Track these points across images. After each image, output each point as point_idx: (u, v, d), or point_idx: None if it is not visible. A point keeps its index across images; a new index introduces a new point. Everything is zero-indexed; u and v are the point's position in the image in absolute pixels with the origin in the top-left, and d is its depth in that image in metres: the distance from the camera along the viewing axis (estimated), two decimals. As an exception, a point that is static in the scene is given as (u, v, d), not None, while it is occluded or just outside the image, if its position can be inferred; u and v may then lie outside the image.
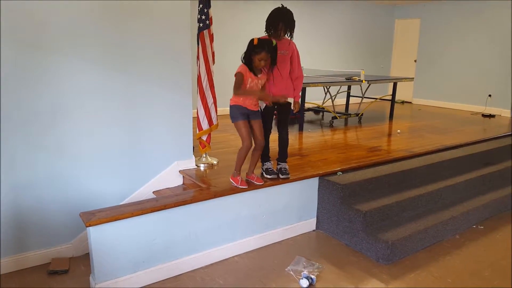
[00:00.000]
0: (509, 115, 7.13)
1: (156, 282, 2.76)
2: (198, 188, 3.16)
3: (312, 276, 2.73)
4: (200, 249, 2.96)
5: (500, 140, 5.19)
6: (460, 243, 3.37)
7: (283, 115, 3.32)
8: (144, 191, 3.37)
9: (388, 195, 3.49)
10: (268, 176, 3.27)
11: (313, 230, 3.59)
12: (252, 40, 2.83)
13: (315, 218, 3.60)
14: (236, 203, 3.08)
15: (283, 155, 3.38)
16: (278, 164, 3.37)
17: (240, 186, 3.06)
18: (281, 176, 3.29)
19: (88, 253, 2.61)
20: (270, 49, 2.83)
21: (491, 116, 7.02)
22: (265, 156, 3.35)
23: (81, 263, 3.04)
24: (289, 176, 3.31)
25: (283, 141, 3.36)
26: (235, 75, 2.87)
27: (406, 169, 3.82)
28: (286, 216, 3.41)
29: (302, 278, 2.71)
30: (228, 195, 3.02)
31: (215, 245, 3.03)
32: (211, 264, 2.99)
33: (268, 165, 3.34)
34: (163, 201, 2.78)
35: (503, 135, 5.42)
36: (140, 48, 3.12)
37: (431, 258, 3.11)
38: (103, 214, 2.54)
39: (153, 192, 3.38)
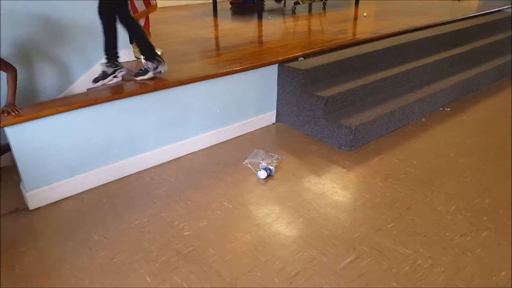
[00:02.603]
0: (478, -2, 6.77)
1: (99, 186, 2.48)
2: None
3: (271, 167, 2.52)
4: (147, 148, 2.64)
5: (469, 20, 4.89)
6: (427, 125, 3.22)
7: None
8: (78, 89, 2.91)
9: (352, 79, 3.20)
10: (95, 84, 2.59)
11: (273, 124, 3.34)
12: None
13: (275, 110, 3.32)
14: (185, 96, 2.70)
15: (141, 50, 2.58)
16: None
17: None
18: (136, 78, 2.59)
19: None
20: None
21: (460, -1, 6.63)
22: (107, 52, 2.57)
23: (14, 172, 2.67)
24: (141, 77, 2.57)
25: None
26: None
27: (372, 51, 3.50)
28: (243, 110, 3.10)
29: (260, 170, 2.50)
30: (174, 87, 2.62)
31: (164, 144, 2.72)
32: (161, 164, 2.72)
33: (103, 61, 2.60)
34: (93, 96, 2.36)
35: (472, 15, 5.11)
36: None
37: (396, 142, 2.96)
38: (20, 112, 2.12)
39: (87, 89, 2.92)
